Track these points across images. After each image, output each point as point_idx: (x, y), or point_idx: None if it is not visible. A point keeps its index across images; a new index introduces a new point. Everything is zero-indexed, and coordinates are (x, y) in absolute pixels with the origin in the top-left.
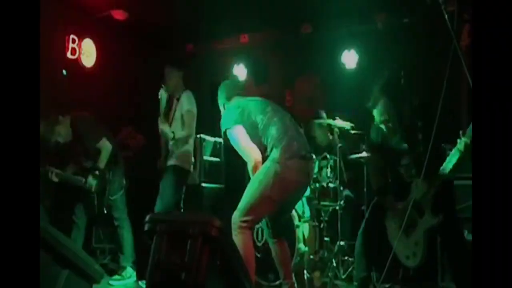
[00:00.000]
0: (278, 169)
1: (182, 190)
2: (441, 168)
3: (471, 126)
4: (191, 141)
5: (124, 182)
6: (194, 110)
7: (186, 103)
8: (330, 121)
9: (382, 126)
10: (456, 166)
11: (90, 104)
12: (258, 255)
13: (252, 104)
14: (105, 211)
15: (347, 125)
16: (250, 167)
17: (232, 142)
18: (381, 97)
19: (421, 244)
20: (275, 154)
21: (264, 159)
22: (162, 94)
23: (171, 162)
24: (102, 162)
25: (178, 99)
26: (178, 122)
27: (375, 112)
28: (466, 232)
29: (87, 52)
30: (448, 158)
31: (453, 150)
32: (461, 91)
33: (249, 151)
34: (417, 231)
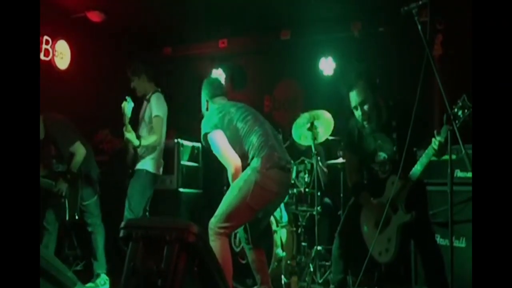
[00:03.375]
0: (258, 178)
1: (150, 194)
2: (414, 167)
3: (444, 126)
4: (160, 147)
5: (98, 187)
6: (162, 114)
7: (155, 108)
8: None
9: (358, 112)
10: (429, 165)
11: (64, 107)
12: (241, 261)
13: (234, 110)
14: (77, 217)
15: (326, 115)
16: (230, 173)
17: (212, 147)
18: (358, 81)
19: (393, 240)
20: (255, 163)
21: (244, 166)
22: (125, 105)
23: (138, 166)
24: (75, 167)
25: (148, 100)
26: (146, 126)
27: (352, 96)
28: (438, 237)
29: (61, 54)
30: (421, 157)
31: (427, 149)
32: (434, 96)
33: (228, 158)
34: (391, 227)
